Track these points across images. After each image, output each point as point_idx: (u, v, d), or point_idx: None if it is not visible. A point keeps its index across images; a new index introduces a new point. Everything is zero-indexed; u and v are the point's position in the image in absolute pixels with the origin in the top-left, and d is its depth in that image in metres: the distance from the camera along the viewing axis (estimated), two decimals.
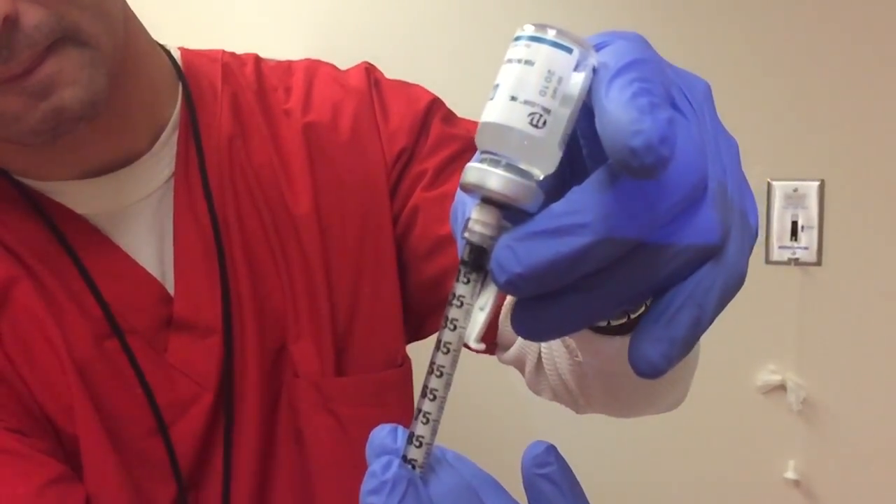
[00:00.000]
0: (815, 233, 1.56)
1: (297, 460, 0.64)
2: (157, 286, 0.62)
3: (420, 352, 0.54)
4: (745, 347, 1.60)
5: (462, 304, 0.31)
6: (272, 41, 1.73)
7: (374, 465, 0.33)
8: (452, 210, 0.32)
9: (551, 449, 0.35)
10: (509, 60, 0.30)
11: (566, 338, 0.52)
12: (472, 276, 0.31)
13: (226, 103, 0.67)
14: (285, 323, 0.64)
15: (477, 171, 0.29)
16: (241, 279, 0.63)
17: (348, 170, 0.67)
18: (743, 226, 0.30)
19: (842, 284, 1.56)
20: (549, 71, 0.29)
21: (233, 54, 0.71)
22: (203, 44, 0.72)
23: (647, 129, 0.26)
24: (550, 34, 0.29)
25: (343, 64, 0.74)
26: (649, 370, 0.29)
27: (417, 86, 0.72)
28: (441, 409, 0.33)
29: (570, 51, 0.29)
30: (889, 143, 1.52)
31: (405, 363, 0.70)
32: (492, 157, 0.29)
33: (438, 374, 0.32)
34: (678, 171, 0.28)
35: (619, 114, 0.26)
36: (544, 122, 0.29)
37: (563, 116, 0.29)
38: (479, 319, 0.31)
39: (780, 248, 1.57)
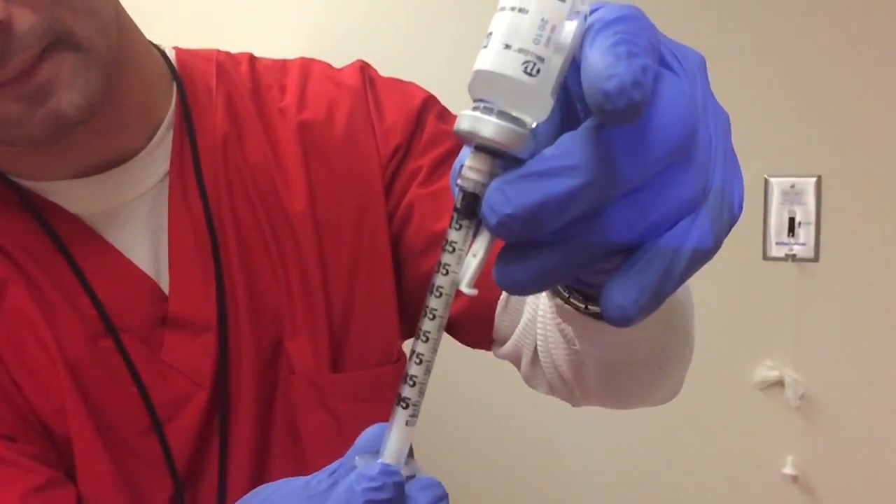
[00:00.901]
0: (812, 229, 1.56)
1: (293, 457, 0.65)
2: (151, 284, 0.62)
3: None
4: (742, 343, 1.60)
5: (454, 249, 0.32)
6: (267, 40, 1.73)
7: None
8: (454, 166, 0.33)
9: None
10: (502, 8, 0.30)
11: (564, 326, 0.52)
12: (465, 223, 0.32)
13: (220, 102, 0.67)
14: (281, 320, 0.64)
15: (470, 119, 0.30)
16: (237, 276, 0.63)
17: (343, 167, 0.67)
18: (723, 193, 0.31)
19: (839, 280, 1.56)
20: (542, 19, 0.29)
21: (227, 53, 0.71)
22: (198, 43, 0.72)
23: (620, 73, 0.26)
24: None
25: (338, 63, 0.74)
26: (619, 316, 0.29)
27: (412, 83, 0.72)
28: (434, 350, 0.35)
29: None
30: (886, 139, 1.52)
31: (401, 359, 0.70)
32: (485, 104, 0.30)
33: (431, 316, 0.34)
34: (668, 121, 0.28)
35: (597, 60, 0.27)
36: (538, 71, 0.29)
37: (556, 65, 0.29)
38: (471, 265, 0.32)
39: (777, 244, 1.58)
